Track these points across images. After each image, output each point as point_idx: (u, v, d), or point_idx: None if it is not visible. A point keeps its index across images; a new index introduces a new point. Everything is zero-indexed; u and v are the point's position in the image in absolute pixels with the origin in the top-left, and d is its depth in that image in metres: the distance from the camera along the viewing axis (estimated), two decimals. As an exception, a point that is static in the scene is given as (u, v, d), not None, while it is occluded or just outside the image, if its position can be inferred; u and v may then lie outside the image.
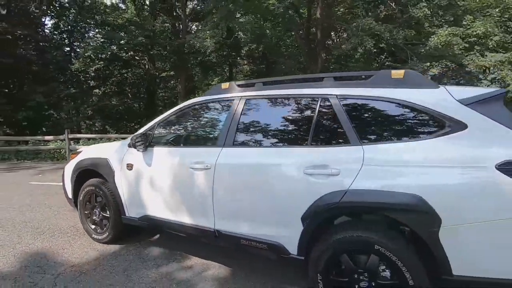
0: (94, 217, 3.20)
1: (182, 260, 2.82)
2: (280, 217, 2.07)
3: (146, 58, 20.25)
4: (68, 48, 17.34)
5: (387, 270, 1.78)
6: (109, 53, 16.22)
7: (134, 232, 3.23)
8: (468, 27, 7.59)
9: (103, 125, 17.63)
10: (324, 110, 2.10)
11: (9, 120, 13.61)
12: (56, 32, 16.43)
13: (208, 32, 9.66)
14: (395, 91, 1.91)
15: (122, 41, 15.12)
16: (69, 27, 17.26)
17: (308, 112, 2.17)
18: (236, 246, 2.35)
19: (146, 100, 21.25)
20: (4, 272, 2.62)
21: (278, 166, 2.09)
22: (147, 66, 20.87)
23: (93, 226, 3.22)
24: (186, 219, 2.52)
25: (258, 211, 2.18)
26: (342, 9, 12.22)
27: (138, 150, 2.76)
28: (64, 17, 17.18)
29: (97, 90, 18.60)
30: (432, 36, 7.70)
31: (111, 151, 3.04)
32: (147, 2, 18.82)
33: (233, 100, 2.48)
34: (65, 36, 16.27)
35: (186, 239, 2.91)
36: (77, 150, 3.51)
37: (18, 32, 11.79)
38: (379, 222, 1.87)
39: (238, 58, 20.29)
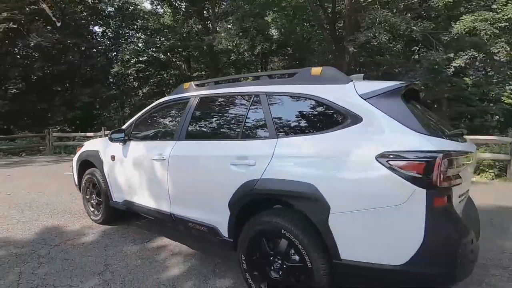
0: (92, 201, 3.74)
1: (155, 241, 3.20)
2: (215, 203, 2.31)
3: (182, 59, 21.56)
4: (114, 53, 19.07)
5: (296, 254, 1.93)
6: (147, 56, 17.67)
7: (126, 216, 3.69)
8: (499, 10, 6.82)
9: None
10: (254, 106, 2.28)
11: (66, 119, 15.57)
12: (103, 39, 18.20)
13: (222, 34, 10.01)
14: (309, 87, 2.03)
15: (158, 44, 16.28)
16: (114, 33, 19.02)
17: (242, 108, 2.37)
18: (186, 229, 2.64)
19: (182, 99, 22.52)
20: (17, 241, 3.23)
21: (213, 158, 2.33)
22: (183, 67, 22.14)
23: (92, 209, 3.76)
24: (152, 204, 2.89)
25: (199, 198, 2.45)
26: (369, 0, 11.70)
27: (120, 144, 3.19)
28: (110, 25, 19.05)
29: (140, 91, 20.30)
30: (457, 22, 7.04)
31: (102, 144, 3.53)
32: (183, 6, 19.95)
33: (190, 98, 2.77)
34: (110, 42, 17.95)
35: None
36: (82, 144, 4.10)
37: (68, 41, 13.37)
38: (288, 209, 2.01)
39: (251, 56, 20.35)
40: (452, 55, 7.30)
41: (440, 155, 1.49)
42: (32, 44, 11.54)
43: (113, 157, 3.26)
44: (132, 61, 14.37)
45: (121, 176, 3.19)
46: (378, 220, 1.60)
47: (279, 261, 1.98)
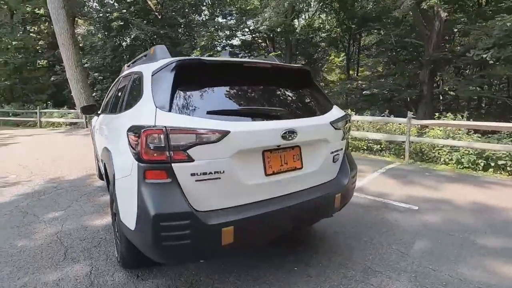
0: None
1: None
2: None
3: (266, 39, 22.23)
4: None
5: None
6: (236, 38, 19.12)
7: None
8: None
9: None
10: (129, 85, 2.57)
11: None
12: (195, 26, 20.50)
13: (266, 15, 9.73)
14: (143, 66, 2.20)
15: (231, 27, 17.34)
16: (206, 20, 21.13)
17: (127, 86, 2.68)
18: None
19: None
20: (45, 182, 4.55)
21: (105, 127, 2.78)
22: (268, 48, 22.81)
23: (97, 167, 4.83)
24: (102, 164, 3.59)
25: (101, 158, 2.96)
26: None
27: (96, 116, 4.00)
28: (203, 13, 21.27)
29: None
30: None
31: (95, 117, 4.44)
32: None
33: (121, 78, 3.25)
34: (199, 28, 20.07)
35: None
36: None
37: (161, 31, 15.77)
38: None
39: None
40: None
41: (143, 130, 1.50)
42: (132, 36, 14.22)
43: (94, 127, 4.12)
44: (209, 47, 15.80)
45: (95, 141, 4.02)
46: (124, 188, 1.74)
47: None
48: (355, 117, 7.49)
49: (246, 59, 2.02)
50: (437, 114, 6.94)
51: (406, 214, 3.38)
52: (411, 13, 12.48)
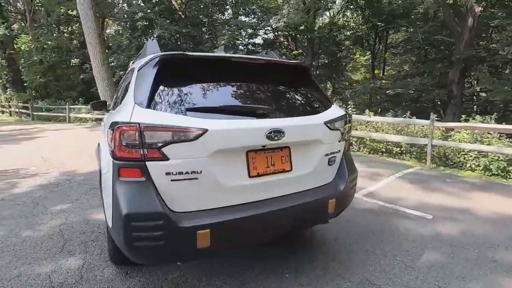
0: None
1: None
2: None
3: (288, 38, 21.99)
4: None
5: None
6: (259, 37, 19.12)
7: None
8: None
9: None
10: (126, 80, 2.57)
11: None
12: (217, 25, 20.68)
13: (284, 11, 9.48)
14: (139, 61, 2.16)
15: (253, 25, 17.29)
16: (227, 19, 21.26)
17: (125, 83, 2.69)
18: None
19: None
20: (62, 176, 4.74)
21: (103, 125, 2.81)
22: (290, 46, 22.57)
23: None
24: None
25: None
26: None
27: (106, 112, 4.09)
28: (227, 12, 21.41)
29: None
30: None
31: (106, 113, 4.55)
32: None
33: (125, 75, 3.28)
34: (220, 27, 20.22)
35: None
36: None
37: (183, 30, 16.04)
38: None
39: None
40: None
41: (117, 126, 1.45)
42: (156, 35, 14.58)
43: (103, 122, 4.21)
44: (230, 46, 15.85)
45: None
46: (104, 186, 1.72)
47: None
48: (373, 118, 7.16)
49: (236, 55, 1.92)
50: (463, 116, 6.45)
51: (417, 223, 3.13)
52: (441, 9, 11.77)
